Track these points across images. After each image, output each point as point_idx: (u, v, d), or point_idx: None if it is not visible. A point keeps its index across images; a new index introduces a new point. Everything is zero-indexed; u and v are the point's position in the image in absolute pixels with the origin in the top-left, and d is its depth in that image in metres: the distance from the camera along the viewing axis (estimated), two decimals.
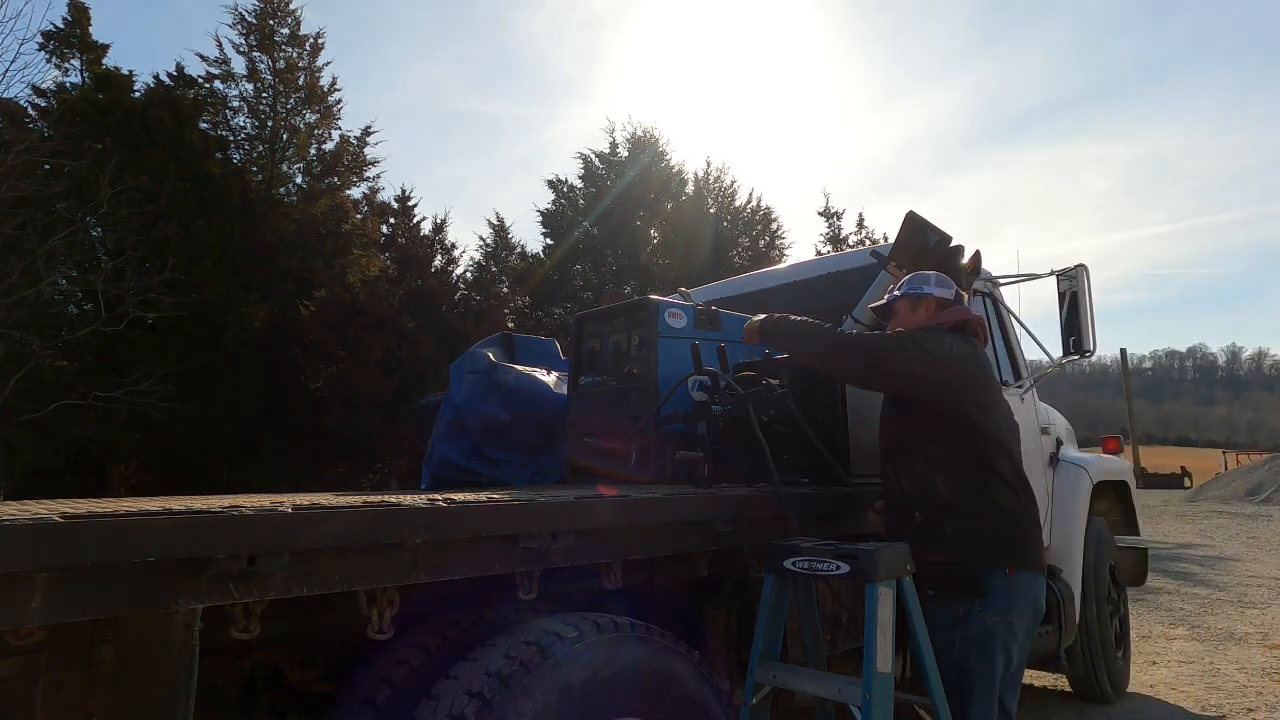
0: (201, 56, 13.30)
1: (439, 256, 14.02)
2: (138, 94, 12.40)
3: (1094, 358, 4.30)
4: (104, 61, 12.62)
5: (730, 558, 2.60)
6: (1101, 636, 4.77)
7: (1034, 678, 5.45)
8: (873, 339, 2.74)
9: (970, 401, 2.49)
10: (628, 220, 16.51)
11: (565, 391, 3.64)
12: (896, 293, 2.79)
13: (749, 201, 18.20)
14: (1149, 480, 36.60)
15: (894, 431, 2.62)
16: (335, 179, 14.19)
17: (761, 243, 17.96)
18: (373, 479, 12.11)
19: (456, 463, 3.71)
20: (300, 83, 13.77)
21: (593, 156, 17.32)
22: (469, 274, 15.63)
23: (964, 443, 2.46)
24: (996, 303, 4.37)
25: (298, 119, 13.90)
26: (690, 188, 17.75)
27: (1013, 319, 4.48)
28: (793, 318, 2.75)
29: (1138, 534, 5.59)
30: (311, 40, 13.88)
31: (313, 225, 12.97)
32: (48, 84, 12.11)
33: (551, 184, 17.23)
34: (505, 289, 15.52)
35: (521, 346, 4.25)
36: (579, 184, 17.27)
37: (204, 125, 13.03)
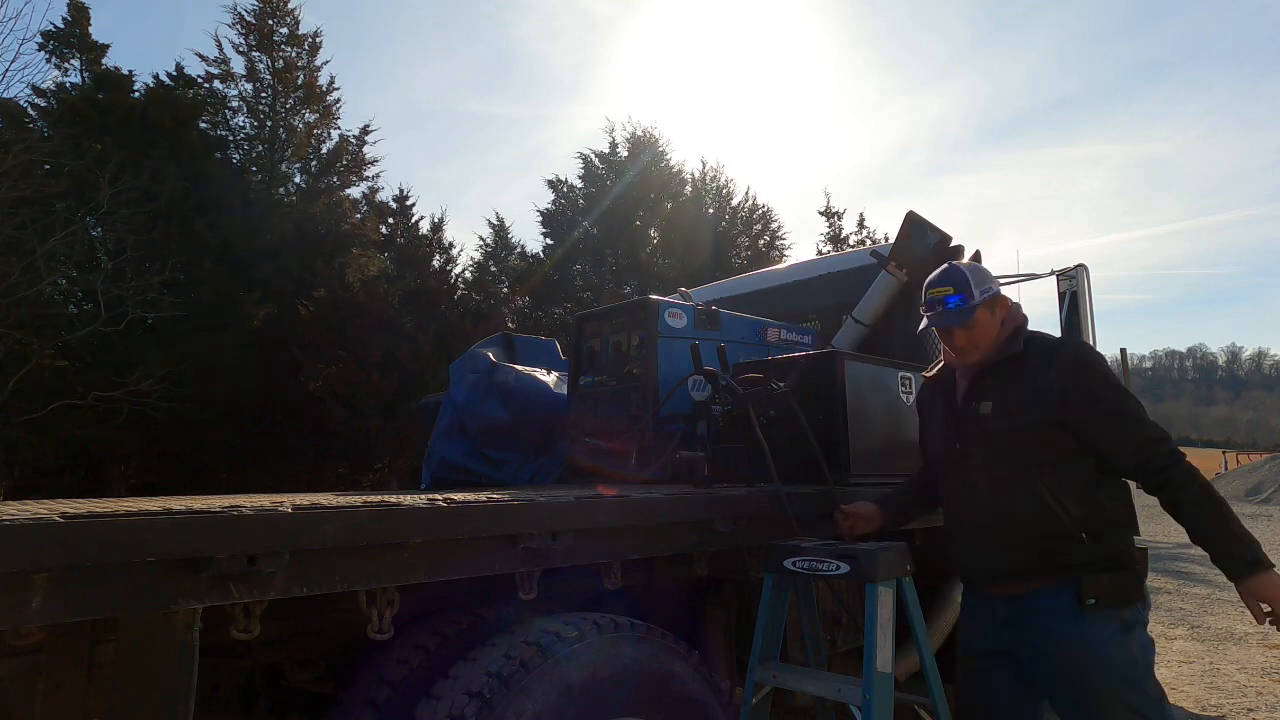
0: (201, 56, 13.33)
1: (437, 256, 14.04)
2: (138, 94, 12.41)
3: None
4: (104, 61, 12.62)
5: (730, 558, 2.59)
6: None
7: None
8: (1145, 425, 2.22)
9: None
10: (628, 220, 16.53)
11: (565, 391, 3.64)
12: (974, 300, 2.28)
13: (745, 200, 18.23)
14: None
15: (1015, 456, 2.25)
16: (335, 179, 14.21)
17: (761, 242, 17.99)
18: (373, 479, 12.11)
19: (456, 463, 3.71)
20: (299, 82, 13.79)
21: (592, 156, 17.35)
22: (469, 274, 15.67)
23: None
24: None
25: (297, 119, 13.91)
26: (689, 188, 17.77)
27: None
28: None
29: (1138, 534, 5.58)
30: (310, 40, 13.89)
31: (312, 225, 12.98)
32: (48, 84, 12.12)
33: (551, 184, 17.26)
34: (505, 289, 15.53)
35: (521, 346, 4.26)
36: (579, 184, 17.29)
37: (204, 125, 13.04)
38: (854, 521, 2.56)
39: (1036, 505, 2.19)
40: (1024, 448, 2.22)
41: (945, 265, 2.40)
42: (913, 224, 3.73)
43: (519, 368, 3.89)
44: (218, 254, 11.65)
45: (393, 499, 1.76)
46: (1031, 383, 2.23)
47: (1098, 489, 2.21)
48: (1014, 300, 2.42)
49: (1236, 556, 2.04)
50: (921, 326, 2.44)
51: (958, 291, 2.30)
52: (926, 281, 2.41)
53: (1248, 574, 2.02)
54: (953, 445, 2.37)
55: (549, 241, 16.91)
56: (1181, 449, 2.19)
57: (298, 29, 13.77)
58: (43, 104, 11.97)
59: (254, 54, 13.46)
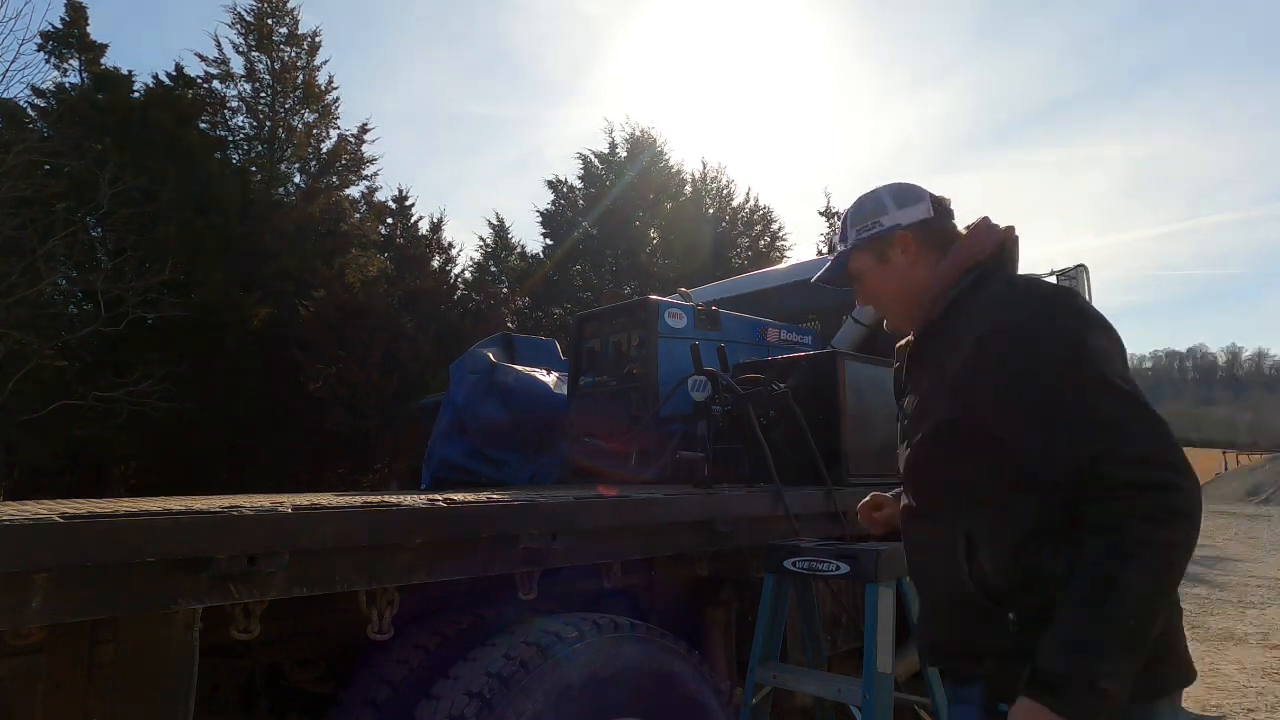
0: (200, 56, 13.35)
1: (436, 256, 14.06)
2: (137, 94, 12.43)
3: None
4: (103, 61, 12.64)
5: (730, 558, 2.60)
6: None
7: None
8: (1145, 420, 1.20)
9: None
10: (627, 220, 16.53)
11: (565, 391, 3.64)
12: (847, 246, 1.55)
13: (746, 201, 18.25)
14: None
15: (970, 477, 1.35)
16: (334, 178, 14.22)
17: (761, 243, 17.99)
18: (373, 479, 12.12)
19: (456, 463, 3.71)
20: (299, 82, 13.80)
21: (592, 157, 17.36)
22: (468, 274, 15.68)
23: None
24: None
25: (296, 119, 13.93)
26: (688, 189, 17.78)
27: None
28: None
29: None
30: (309, 39, 13.91)
31: (311, 225, 13.00)
32: (47, 84, 12.15)
33: (551, 184, 17.28)
34: (505, 289, 15.54)
35: (521, 346, 4.26)
36: (578, 184, 17.30)
37: (203, 125, 13.06)
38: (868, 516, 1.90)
39: (955, 560, 1.35)
40: (946, 469, 1.38)
41: None
42: None
43: (519, 368, 3.89)
44: (218, 254, 11.66)
45: (393, 499, 1.76)
46: (951, 359, 1.36)
47: (1044, 539, 1.26)
48: (954, 226, 1.51)
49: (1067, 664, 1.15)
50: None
51: (843, 232, 1.56)
52: None
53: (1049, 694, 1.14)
54: (896, 466, 1.54)
55: (549, 242, 16.93)
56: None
57: (297, 29, 13.80)
58: (43, 104, 11.99)
59: (253, 54, 13.49)
